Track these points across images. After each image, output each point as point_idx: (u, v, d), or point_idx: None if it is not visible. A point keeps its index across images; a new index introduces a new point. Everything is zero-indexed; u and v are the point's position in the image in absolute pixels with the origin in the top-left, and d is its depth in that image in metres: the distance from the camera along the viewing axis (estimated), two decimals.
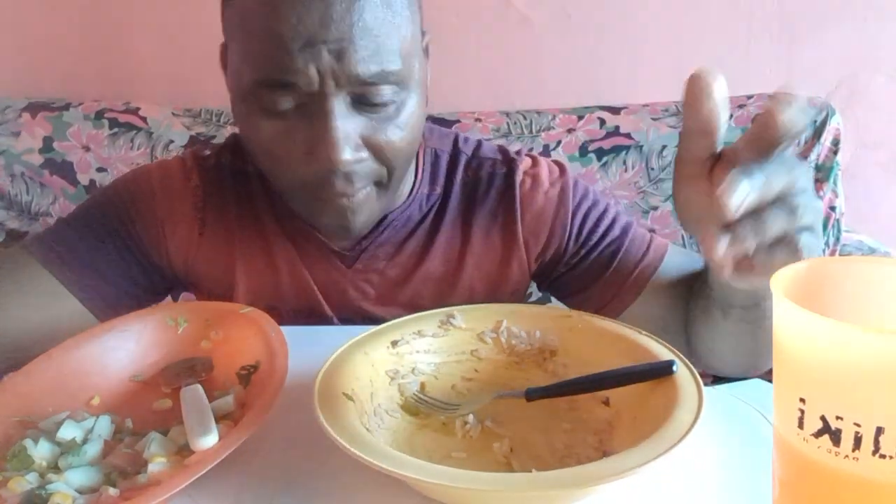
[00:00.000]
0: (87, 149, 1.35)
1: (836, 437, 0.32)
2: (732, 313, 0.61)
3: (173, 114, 1.38)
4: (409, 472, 0.41)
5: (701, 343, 0.70)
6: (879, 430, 0.31)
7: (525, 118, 1.40)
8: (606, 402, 0.54)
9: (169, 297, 0.83)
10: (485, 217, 0.77)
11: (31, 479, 0.45)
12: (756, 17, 1.46)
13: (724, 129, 0.45)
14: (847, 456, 0.32)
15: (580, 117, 1.39)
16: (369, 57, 0.57)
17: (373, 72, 0.58)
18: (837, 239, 1.41)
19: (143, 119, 1.37)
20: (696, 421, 0.44)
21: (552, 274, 0.80)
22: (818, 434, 0.33)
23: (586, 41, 1.48)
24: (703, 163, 0.46)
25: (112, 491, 0.44)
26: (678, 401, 0.47)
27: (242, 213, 0.76)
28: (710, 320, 0.66)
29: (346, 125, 0.59)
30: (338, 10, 0.56)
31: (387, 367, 0.57)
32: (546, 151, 1.35)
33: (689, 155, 0.47)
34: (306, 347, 0.55)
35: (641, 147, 1.36)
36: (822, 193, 1.37)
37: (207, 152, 0.79)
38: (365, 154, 0.61)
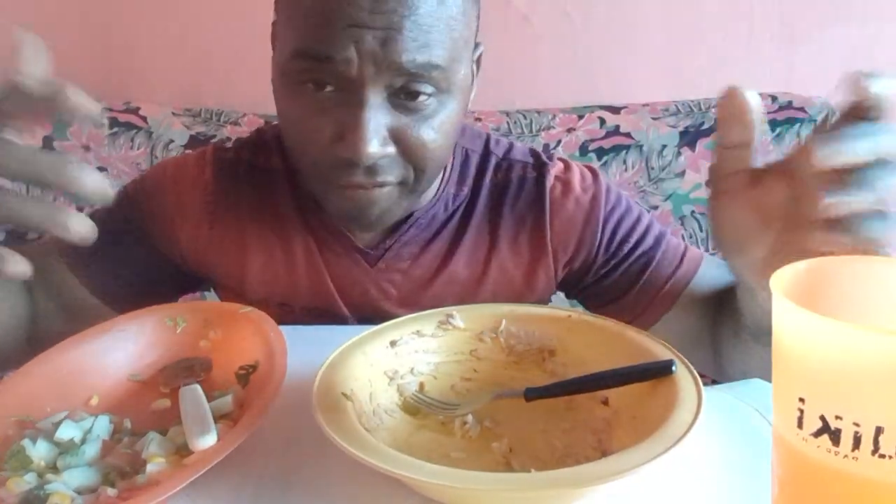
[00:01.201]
0: (87, 148, 1.36)
1: (835, 436, 0.32)
2: (763, 339, 0.59)
3: (173, 113, 1.38)
4: (408, 472, 0.41)
5: (731, 365, 0.69)
6: (879, 430, 0.31)
7: (525, 118, 1.40)
8: (606, 402, 0.54)
9: None
10: (513, 221, 0.75)
11: (29, 480, 0.45)
12: (756, 17, 1.46)
13: (758, 140, 0.45)
14: (846, 456, 0.32)
15: (580, 117, 1.39)
16: (415, 48, 0.56)
17: (417, 62, 0.56)
18: None
19: (143, 119, 1.37)
20: (696, 421, 0.44)
21: (581, 283, 0.78)
22: (817, 434, 0.33)
23: (586, 41, 1.48)
24: (739, 176, 0.47)
25: (111, 491, 0.44)
26: (677, 400, 0.47)
27: (259, 208, 0.75)
28: (740, 343, 0.65)
29: (379, 117, 0.58)
30: (390, 2, 0.55)
31: (386, 367, 0.57)
32: (546, 151, 1.35)
33: (726, 168, 0.47)
34: (305, 347, 0.55)
35: (641, 147, 1.36)
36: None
37: (229, 145, 0.79)
38: (392, 150, 0.60)
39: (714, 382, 0.64)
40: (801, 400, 0.33)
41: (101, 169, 1.36)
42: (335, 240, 0.74)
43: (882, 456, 0.31)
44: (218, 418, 0.49)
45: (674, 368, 0.50)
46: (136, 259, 0.76)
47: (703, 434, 0.43)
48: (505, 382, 0.59)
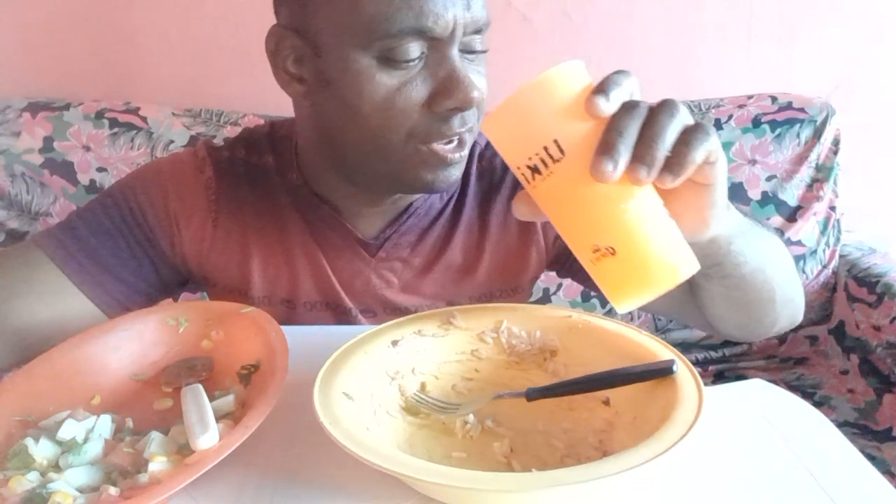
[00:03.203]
0: (87, 149, 1.35)
1: (535, 171, 0.43)
2: (711, 274, 0.62)
3: (173, 114, 1.38)
4: (409, 471, 0.41)
5: (707, 312, 0.72)
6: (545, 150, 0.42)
7: None
8: (607, 402, 0.54)
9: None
10: (501, 205, 0.78)
11: (31, 479, 0.45)
12: (756, 17, 1.46)
13: None
14: (552, 173, 0.42)
15: None
16: (481, 5, 0.63)
17: (485, 18, 0.64)
18: (837, 239, 1.41)
19: (144, 119, 1.37)
20: (696, 421, 0.44)
21: (570, 257, 0.79)
22: (532, 174, 0.43)
23: (586, 41, 1.48)
24: None
25: (113, 490, 0.44)
26: (678, 401, 0.47)
27: (259, 206, 0.76)
28: (700, 289, 0.68)
29: (464, 68, 0.63)
30: None
31: (387, 366, 0.57)
32: None
33: None
34: (307, 347, 0.55)
35: None
36: (822, 193, 1.38)
37: (220, 143, 0.79)
38: None
39: (714, 382, 0.65)
40: (530, 158, 0.43)
41: (101, 169, 1.36)
42: (333, 232, 0.75)
43: (555, 161, 0.42)
44: (219, 418, 0.50)
45: (674, 368, 0.50)
46: (126, 257, 0.73)
47: (703, 434, 0.44)
48: (506, 382, 0.59)
